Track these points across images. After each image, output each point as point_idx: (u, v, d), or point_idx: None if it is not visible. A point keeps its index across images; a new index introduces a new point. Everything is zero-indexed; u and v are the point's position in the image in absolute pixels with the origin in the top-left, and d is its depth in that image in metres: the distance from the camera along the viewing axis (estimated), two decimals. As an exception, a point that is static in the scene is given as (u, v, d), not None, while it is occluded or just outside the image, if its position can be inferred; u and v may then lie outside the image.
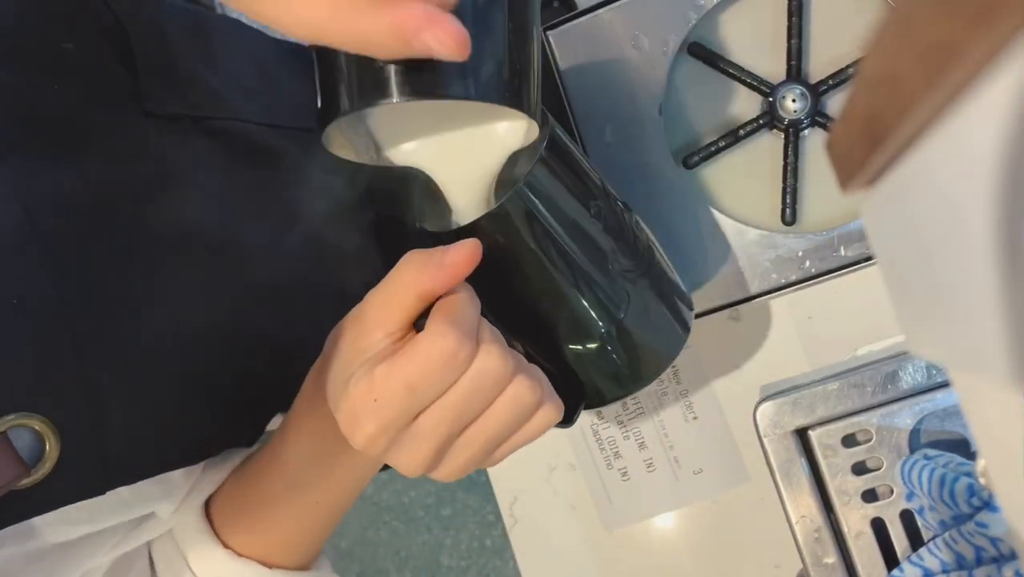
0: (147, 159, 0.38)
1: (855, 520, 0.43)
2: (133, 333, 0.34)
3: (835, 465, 0.44)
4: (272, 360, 0.41)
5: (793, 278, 0.45)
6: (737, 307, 0.46)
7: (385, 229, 0.53)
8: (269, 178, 0.45)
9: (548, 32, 0.49)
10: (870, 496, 0.43)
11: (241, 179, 0.43)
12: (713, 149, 0.47)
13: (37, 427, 0.29)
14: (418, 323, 0.30)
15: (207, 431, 0.38)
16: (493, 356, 0.29)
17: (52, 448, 0.29)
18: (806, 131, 0.46)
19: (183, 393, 0.36)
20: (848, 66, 0.46)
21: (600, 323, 0.35)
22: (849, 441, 0.44)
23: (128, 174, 0.37)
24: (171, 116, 0.40)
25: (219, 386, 0.38)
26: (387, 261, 0.32)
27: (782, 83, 0.46)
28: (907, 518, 0.42)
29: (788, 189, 0.46)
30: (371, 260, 0.52)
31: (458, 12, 0.25)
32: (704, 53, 0.47)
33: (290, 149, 0.47)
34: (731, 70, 0.47)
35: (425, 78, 0.27)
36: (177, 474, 0.37)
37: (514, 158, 0.35)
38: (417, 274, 0.29)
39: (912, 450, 0.43)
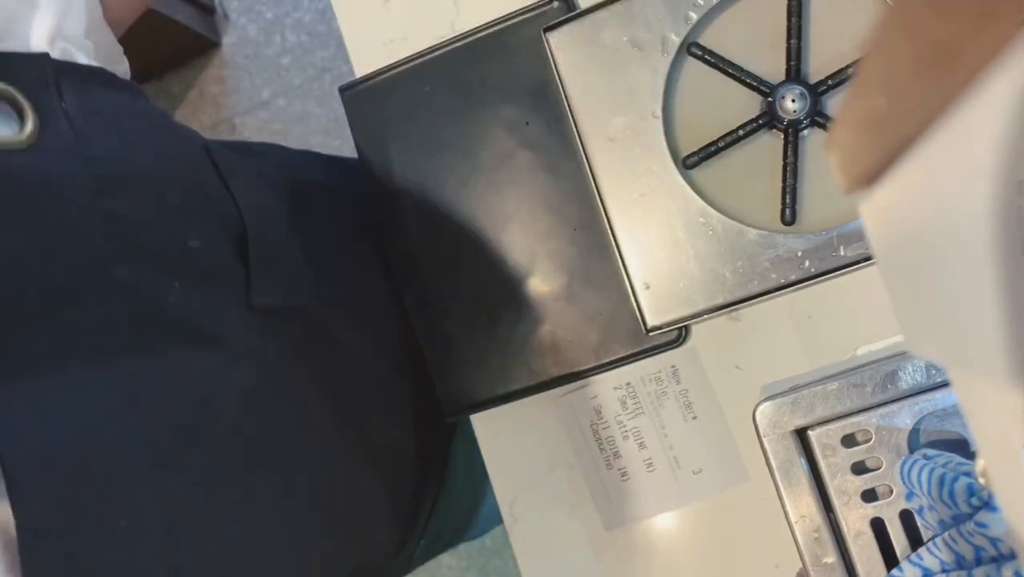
0: (249, 361, 0.38)
1: (854, 520, 0.43)
2: (224, 559, 0.35)
3: (835, 465, 0.44)
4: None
5: (793, 278, 0.45)
6: (737, 307, 0.46)
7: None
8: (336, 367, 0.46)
9: (548, 32, 0.49)
10: (870, 496, 0.43)
11: (316, 368, 0.44)
12: (713, 149, 0.47)
13: None
14: None
15: None
16: None
17: None
18: (806, 131, 0.46)
19: None
20: (848, 66, 0.46)
21: None
22: (849, 441, 0.44)
23: (232, 376, 0.37)
24: (271, 309, 0.40)
25: None
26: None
27: (782, 83, 0.46)
28: (907, 518, 0.42)
29: (788, 189, 0.46)
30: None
31: None
32: (704, 53, 0.47)
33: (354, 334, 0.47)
34: (731, 70, 0.47)
35: None
36: None
37: None
38: None
39: (912, 450, 0.43)
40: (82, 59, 0.35)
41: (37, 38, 0.33)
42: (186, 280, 0.35)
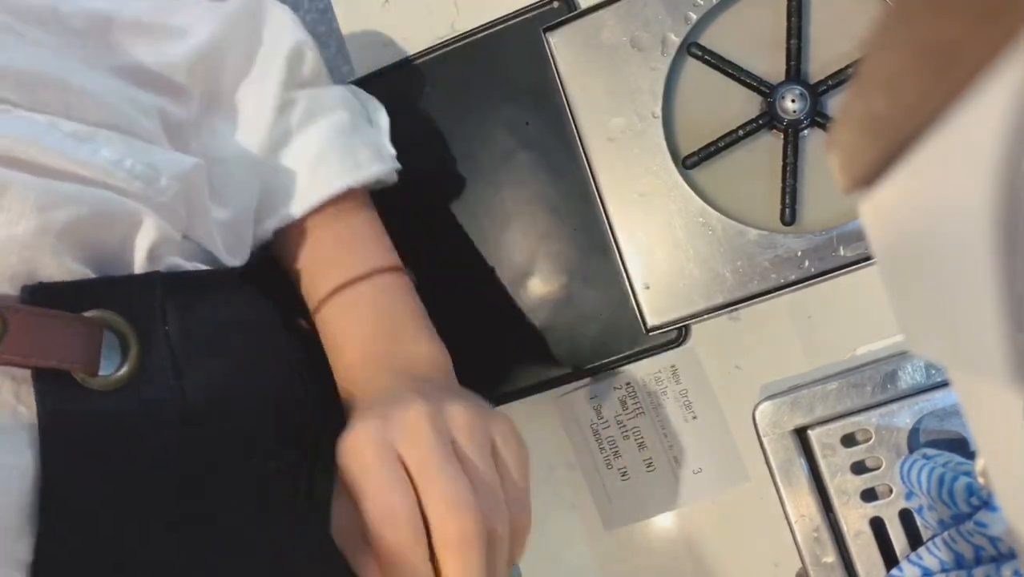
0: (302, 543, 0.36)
1: (854, 519, 0.43)
2: None
3: (834, 464, 0.44)
4: None
5: (792, 278, 0.45)
6: (736, 307, 0.46)
7: None
8: None
9: (548, 32, 0.49)
10: (869, 495, 0.43)
11: None
12: (712, 149, 0.47)
13: None
14: None
15: None
16: None
17: None
18: (805, 131, 0.46)
19: None
20: (848, 66, 0.46)
21: None
22: (848, 441, 0.44)
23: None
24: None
25: None
26: None
27: (782, 83, 0.46)
28: (906, 517, 0.43)
29: (787, 189, 0.46)
30: None
31: None
32: (704, 53, 0.47)
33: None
34: (731, 70, 0.47)
35: None
36: None
37: None
38: None
39: (911, 449, 0.43)
40: (187, 265, 0.35)
41: (140, 253, 0.33)
42: (264, 506, 0.34)
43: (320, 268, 0.43)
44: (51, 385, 0.28)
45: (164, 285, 0.33)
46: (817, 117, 0.46)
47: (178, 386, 0.31)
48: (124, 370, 0.30)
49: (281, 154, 0.43)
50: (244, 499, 0.33)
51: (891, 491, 0.43)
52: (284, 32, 0.43)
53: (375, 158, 0.44)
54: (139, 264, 0.33)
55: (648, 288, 0.47)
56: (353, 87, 0.48)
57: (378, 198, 0.53)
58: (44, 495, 0.27)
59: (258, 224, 0.42)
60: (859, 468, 0.44)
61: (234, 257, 0.40)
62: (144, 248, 0.33)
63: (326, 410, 0.40)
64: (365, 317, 0.41)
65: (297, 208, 0.42)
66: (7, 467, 0.27)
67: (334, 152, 0.43)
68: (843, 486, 0.43)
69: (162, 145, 0.36)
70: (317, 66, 0.45)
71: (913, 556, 0.40)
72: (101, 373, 0.29)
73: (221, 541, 0.32)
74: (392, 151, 0.46)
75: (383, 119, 0.47)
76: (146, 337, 0.31)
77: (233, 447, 0.33)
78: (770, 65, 0.47)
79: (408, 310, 0.43)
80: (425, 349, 0.42)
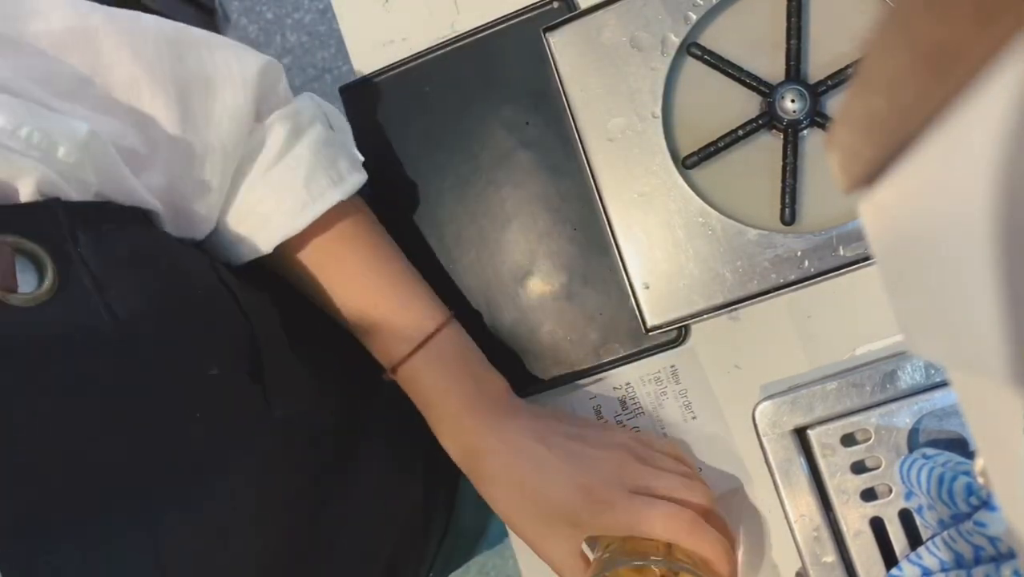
0: (265, 479, 0.38)
1: (854, 519, 0.43)
2: None
3: (834, 464, 0.44)
4: None
5: (792, 278, 0.45)
6: (736, 307, 0.46)
7: None
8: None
9: (548, 32, 0.49)
10: (869, 495, 0.43)
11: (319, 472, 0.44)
12: (712, 149, 0.47)
13: None
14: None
15: None
16: None
17: None
18: (805, 131, 0.46)
19: None
20: (848, 66, 0.46)
21: None
22: (848, 440, 0.44)
23: (247, 502, 0.36)
24: (284, 419, 0.40)
25: None
26: None
27: (781, 83, 0.46)
28: (906, 517, 0.43)
29: (787, 189, 0.46)
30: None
31: None
32: (704, 53, 0.47)
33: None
34: (730, 70, 0.47)
35: None
36: None
37: None
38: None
39: (911, 449, 0.43)
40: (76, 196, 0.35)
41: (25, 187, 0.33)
42: (207, 408, 0.35)
43: (347, 274, 0.47)
44: None
45: (67, 211, 0.33)
46: (817, 117, 0.46)
47: (102, 301, 0.32)
48: (44, 287, 0.31)
49: (274, 171, 0.44)
50: (180, 410, 0.34)
51: (891, 491, 0.43)
52: (247, 58, 0.43)
53: (353, 168, 0.47)
54: (28, 196, 0.33)
55: (648, 288, 0.47)
56: (311, 94, 0.48)
57: (378, 199, 0.53)
58: None
59: (249, 239, 0.44)
60: (859, 468, 0.44)
61: (193, 227, 0.41)
62: (31, 183, 0.33)
63: (278, 345, 0.42)
64: (450, 370, 0.46)
65: (300, 221, 0.44)
66: None
67: (320, 166, 0.45)
68: (843, 486, 0.43)
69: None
70: (285, 84, 0.46)
71: (913, 556, 0.40)
72: (21, 291, 0.30)
73: (160, 446, 0.33)
74: (361, 157, 0.48)
75: (345, 124, 0.49)
76: (60, 258, 0.32)
77: (171, 361, 0.34)
78: (770, 65, 0.47)
79: (471, 347, 0.48)
80: (497, 378, 0.48)
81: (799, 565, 0.44)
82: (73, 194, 0.34)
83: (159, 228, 0.40)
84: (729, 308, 0.46)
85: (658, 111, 0.47)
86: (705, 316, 0.47)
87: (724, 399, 0.49)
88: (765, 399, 0.45)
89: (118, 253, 0.35)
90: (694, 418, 0.49)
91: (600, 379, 0.50)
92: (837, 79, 0.46)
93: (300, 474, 0.41)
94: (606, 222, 0.48)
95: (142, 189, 0.38)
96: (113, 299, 0.33)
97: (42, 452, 0.29)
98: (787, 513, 0.44)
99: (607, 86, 0.48)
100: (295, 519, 0.40)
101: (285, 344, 0.43)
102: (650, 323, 0.47)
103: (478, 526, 0.64)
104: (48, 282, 0.31)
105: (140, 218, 0.39)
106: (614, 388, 0.50)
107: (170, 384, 0.34)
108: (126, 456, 0.31)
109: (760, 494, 0.47)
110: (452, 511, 0.59)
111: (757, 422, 0.45)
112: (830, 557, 0.43)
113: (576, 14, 0.49)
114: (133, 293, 0.34)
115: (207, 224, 0.43)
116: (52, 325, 0.31)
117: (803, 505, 0.44)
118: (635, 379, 0.50)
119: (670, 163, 0.47)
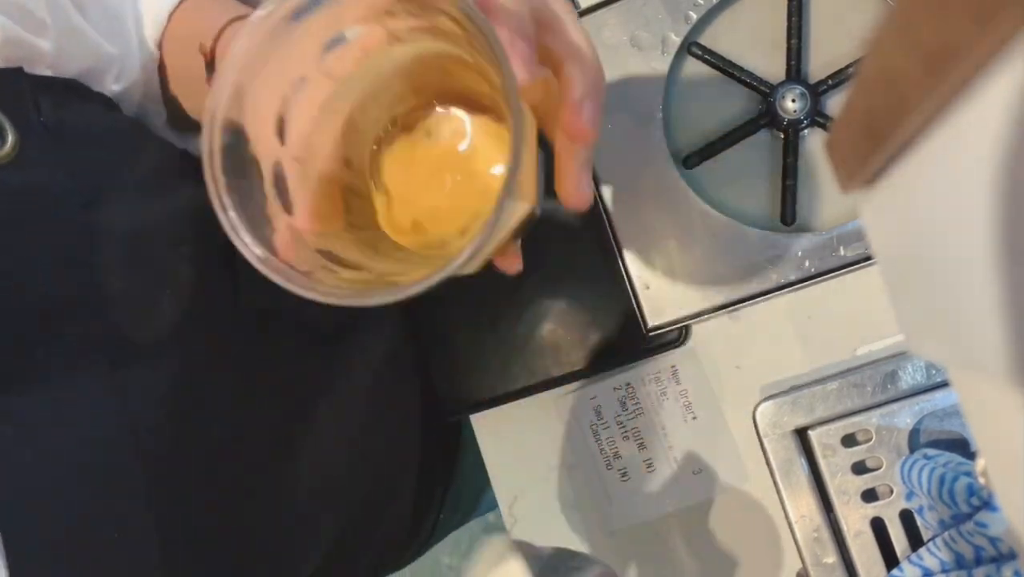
0: (240, 361, 0.39)
1: (855, 520, 0.43)
2: (219, 562, 0.36)
3: (835, 465, 0.44)
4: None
5: (792, 278, 0.45)
6: (737, 307, 0.46)
7: None
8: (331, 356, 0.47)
9: (548, 32, 0.49)
10: (870, 496, 0.43)
11: (308, 365, 0.45)
12: (712, 149, 0.47)
13: None
14: None
15: None
16: None
17: None
18: (805, 131, 0.46)
19: None
20: (848, 66, 0.46)
21: None
22: (849, 441, 0.44)
23: (222, 379, 0.37)
24: (261, 310, 0.40)
25: None
26: None
27: (781, 83, 0.46)
28: (907, 518, 0.42)
29: (787, 189, 0.46)
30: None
31: None
32: (704, 53, 0.47)
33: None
34: (731, 70, 0.47)
35: None
36: None
37: None
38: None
39: (912, 450, 0.43)
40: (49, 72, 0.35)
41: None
42: (176, 287, 0.36)
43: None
44: None
45: (31, 81, 0.34)
46: (817, 117, 0.46)
47: (64, 168, 0.33)
48: (4, 150, 0.31)
49: None
50: (157, 282, 0.35)
51: (891, 491, 0.43)
52: None
53: None
54: None
55: (648, 288, 0.47)
56: None
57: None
58: None
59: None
60: (859, 468, 0.44)
61: (114, 46, 0.40)
62: None
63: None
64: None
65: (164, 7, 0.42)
66: None
67: None
68: (843, 486, 0.43)
69: None
70: None
71: (914, 556, 0.40)
72: None
73: (136, 320, 0.34)
74: None
75: None
76: (20, 123, 0.32)
77: (137, 232, 0.35)
78: (770, 65, 0.47)
79: None
80: None
81: (800, 566, 0.44)
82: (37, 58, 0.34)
83: (125, 116, 0.41)
84: (729, 308, 0.46)
85: (658, 111, 0.47)
86: (705, 316, 0.47)
87: (725, 399, 0.49)
88: (766, 399, 0.45)
89: (82, 126, 0.35)
90: (694, 418, 0.49)
91: (600, 379, 0.50)
92: (837, 79, 0.46)
93: (282, 362, 0.42)
94: (607, 222, 0.48)
95: (93, 33, 0.38)
96: (76, 170, 0.33)
97: (13, 307, 0.29)
98: (788, 514, 0.44)
99: (607, 86, 0.48)
100: (276, 403, 0.40)
101: None
102: (650, 323, 0.47)
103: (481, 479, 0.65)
104: (10, 141, 0.31)
105: (105, 101, 0.39)
106: (614, 388, 0.50)
107: (134, 253, 0.34)
108: (91, 313, 0.32)
109: (760, 495, 0.47)
110: (455, 454, 0.60)
111: (758, 422, 0.45)
112: (831, 558, 0.43)
113: (576, 14, 0.49)
114: (97, 168, 0.34)
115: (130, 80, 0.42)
116: (14, 186, 0.31)
117: (804, 506, 0.44)
118: (635, 379, 0.50)
119: (670, 163, 0.47)
